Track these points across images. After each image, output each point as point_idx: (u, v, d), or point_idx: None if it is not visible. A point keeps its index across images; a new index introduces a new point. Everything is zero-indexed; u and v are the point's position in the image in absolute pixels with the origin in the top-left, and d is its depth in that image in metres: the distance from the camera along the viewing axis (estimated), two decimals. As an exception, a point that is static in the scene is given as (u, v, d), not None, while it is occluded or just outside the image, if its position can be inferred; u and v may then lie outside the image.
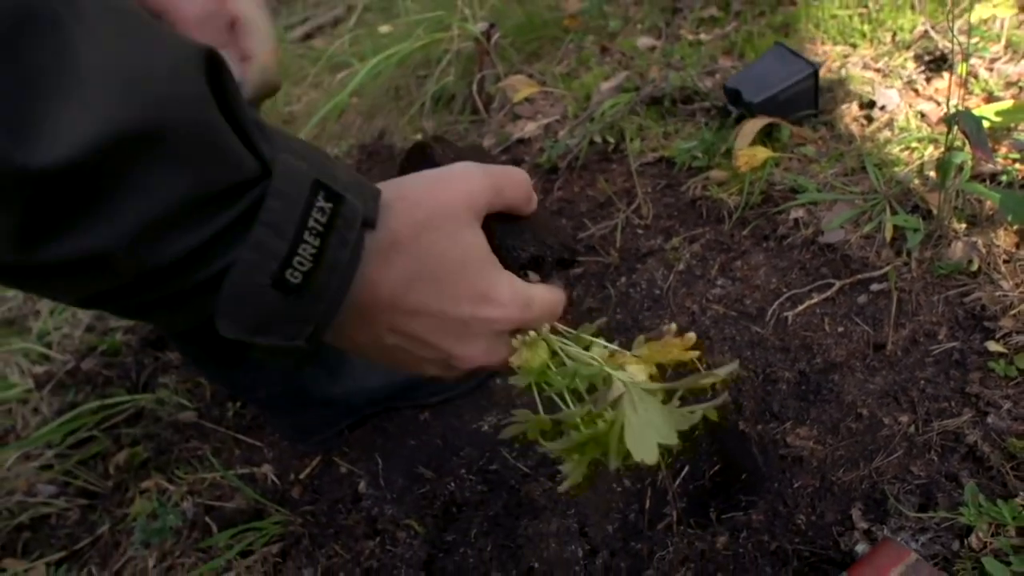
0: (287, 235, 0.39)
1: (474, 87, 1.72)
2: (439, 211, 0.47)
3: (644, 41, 1.71)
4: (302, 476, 1.16)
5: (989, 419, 0.82)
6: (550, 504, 0.89)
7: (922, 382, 0.89)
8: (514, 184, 0.52)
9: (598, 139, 1.46)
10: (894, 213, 1.07)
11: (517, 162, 1.62)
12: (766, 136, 1.27)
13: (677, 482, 0.94)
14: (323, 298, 0.41)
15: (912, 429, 0.85)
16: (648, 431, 0.47)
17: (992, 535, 0.71)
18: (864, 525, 0.78)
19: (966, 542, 0.72)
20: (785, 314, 1.04)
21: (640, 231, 1.29)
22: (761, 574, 0.79)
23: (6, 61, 0.29)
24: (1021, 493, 0.73)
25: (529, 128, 1.59)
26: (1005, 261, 0.96)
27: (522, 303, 0.50)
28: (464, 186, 0.49)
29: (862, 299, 1.02)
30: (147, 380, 1.41)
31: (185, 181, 0.35)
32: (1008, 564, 0.68)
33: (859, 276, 1.04)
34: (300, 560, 1.00)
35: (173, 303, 0.40)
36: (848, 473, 0.84)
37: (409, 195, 0.47)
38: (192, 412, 1.30)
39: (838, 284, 1.04)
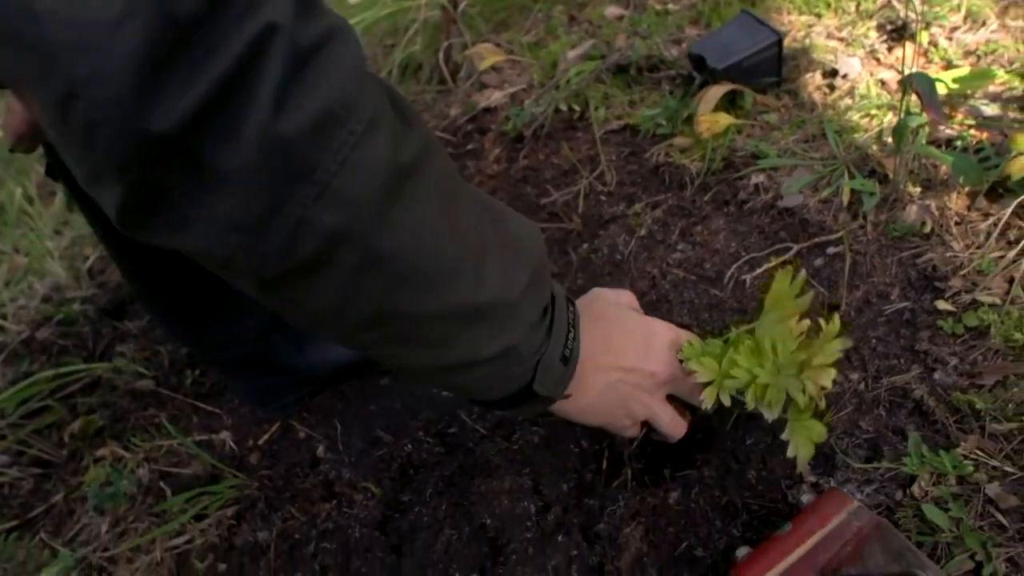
0: (564, 331, 0.63)
1: (441, 56, 1.70)
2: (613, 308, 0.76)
3: (612, 10, 1.70)
4: (260, 442, 1.15)
5: (936, 375, 0.83)
6: (505, 463, 0.89)
7: (873, 341, 0.90)
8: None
9: (563, 107, 1.45)
10: (852, 178, 1.08)
11: (483, 131, 1.61)
12: (729, 103, 1.27)
13: (635, 443, 0.94)
14: (573, 361, 0.64)
15: (862, 386, 0.86)
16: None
17: (933, 484, 0.72)
18: (812, 479, 0.79)
19: (908, 491, 0.73)
20: (743, 277, 1.04)
21: (603, 198, 1.29)
22: (711, 527, 0.79)
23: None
24: (962, 444, 0.74)
25: (495, 97, 1.57)
26: (956, 223, 0.97)
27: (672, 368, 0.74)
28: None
29: (818, 262, 1.03)
30: (104, 349, 1.38)
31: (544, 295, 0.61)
32: (947, 511, 0.69)
33: (816, 239, 1.05)
34: (255, 523, 1.00)
35: (510, 376, 0.61)
36: (799, 429, 0.85)
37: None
38: (150, 380, 1.28)
39: (796, 247, 1.05)
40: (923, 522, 0.70)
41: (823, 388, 0.66)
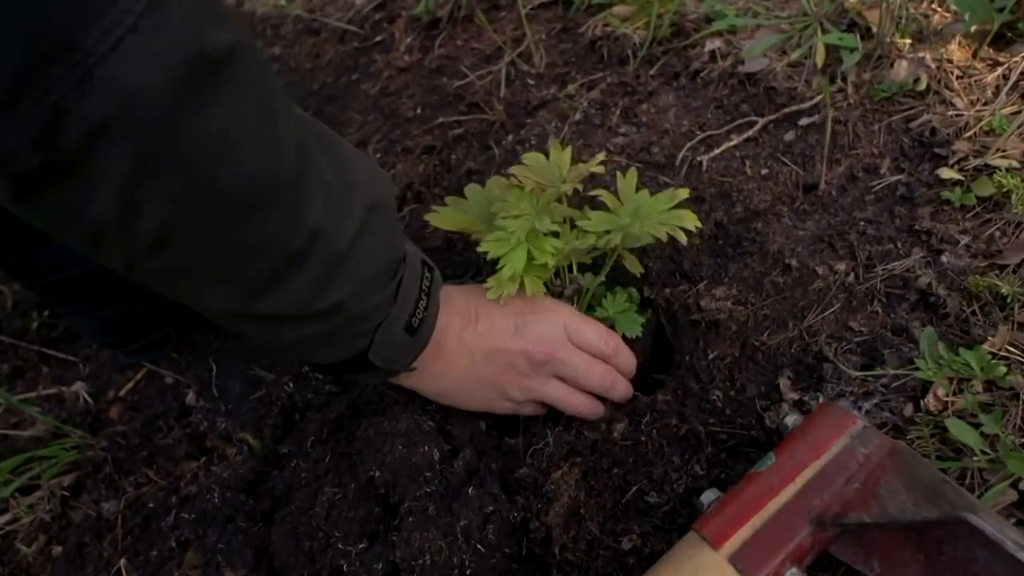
0: (413, 296, 0.58)
1: (338, -68, 1.43)
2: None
3: None
4: (122, 393, 0.93)
5: (944, 258, 0.66)
6: (404, 398, 0.69)
7: (862, 223, 0.72)
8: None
9: (482, -19, 1.21)
10: (826, 33, 0.88)
11: (392, 18, 1.36)
12: (677, -41, 1.05)
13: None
14: (423, 334, 0.59)
15: (851, 278, 0.68)
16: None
17: (955, 393, 0.55)
18: (794, 396, 0.62)
19: (922, 404, 0.55)
20: (699, 159, 0.85)
21: (531, 81, 1.07)
22: (667, 466, 0.61)
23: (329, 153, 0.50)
24: (989, 339, 0.57)
25: (403, -24, 1.32)
26: (958, 77, 0.79)
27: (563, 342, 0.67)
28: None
29: (789, 136, 0.84)
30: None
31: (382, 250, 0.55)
32: (977, 426, 0.52)
33: (786, 110, 0.85)
34: (98, 491, 0.78)
35: (341, 339, 0.55)
36: (774, 336, 0.67)
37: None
38: (-17, 325, 1.04)
39: (761, 121, 0.85)
40: (944, 443, 0.53)
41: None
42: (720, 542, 0.47)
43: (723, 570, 0.46)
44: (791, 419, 0.54)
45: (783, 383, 0.63)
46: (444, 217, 0.69)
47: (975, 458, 0.50)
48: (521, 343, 0.64)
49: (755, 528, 0.47)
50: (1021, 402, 0.53)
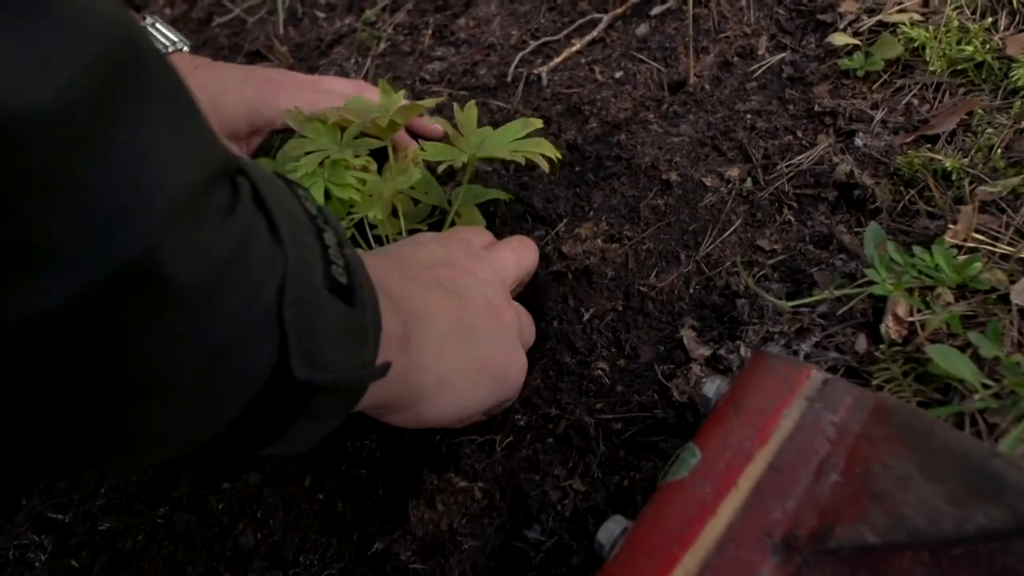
0: (304, 221, 0.28)
1: None
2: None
3: None
4: None
5: (858, 140, 0.50)
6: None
7: (749, 116, 0.56)
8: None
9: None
10: (667, -96, 0.71)
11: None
12: None
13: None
14: (366, 301, 0.29)
15: (748, 184, 0.51)
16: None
17: (919, 309, 0.39)
18: (704, 351, 0.44)
19: (882, 331, 0.39)
20: (536, 72, 0.66)
21: (321, 14, 0.84)
22: (545, 477, 0.42)
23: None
24: (950, 229, 0.41)
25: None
26: (828, -69, 0.64)
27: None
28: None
29: (642, 30, 0.66)
30: None
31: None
32: (966, 349, 0.36)
33: (631, 1, 0.68)
34: None
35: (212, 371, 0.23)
36: (665, 275, 0.49)
37: None
38: None
39: (606, 18, 0.68)
40: (923, 382, 0.37)
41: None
42: (638, 612, 0.28)
43: (650, 665, 0.26)
44: (712, 386, 0.35)
45: (686, 336, 0.45)
46: None
47: (976, 396, 0.34)
48: (457, 260, 0.43)
49: (689, 577, 0.28)
50: (1013, 307, 0.37)
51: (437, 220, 0.56)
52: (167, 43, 0.62)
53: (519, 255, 0.49)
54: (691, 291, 0.48)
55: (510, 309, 0.43)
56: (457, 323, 0.39)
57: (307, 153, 0.49)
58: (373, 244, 0.53)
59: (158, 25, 0.62)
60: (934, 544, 0.23)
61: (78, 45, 0.19)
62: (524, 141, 0.51)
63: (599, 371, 0.46)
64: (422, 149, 0.51)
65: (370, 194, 0.49)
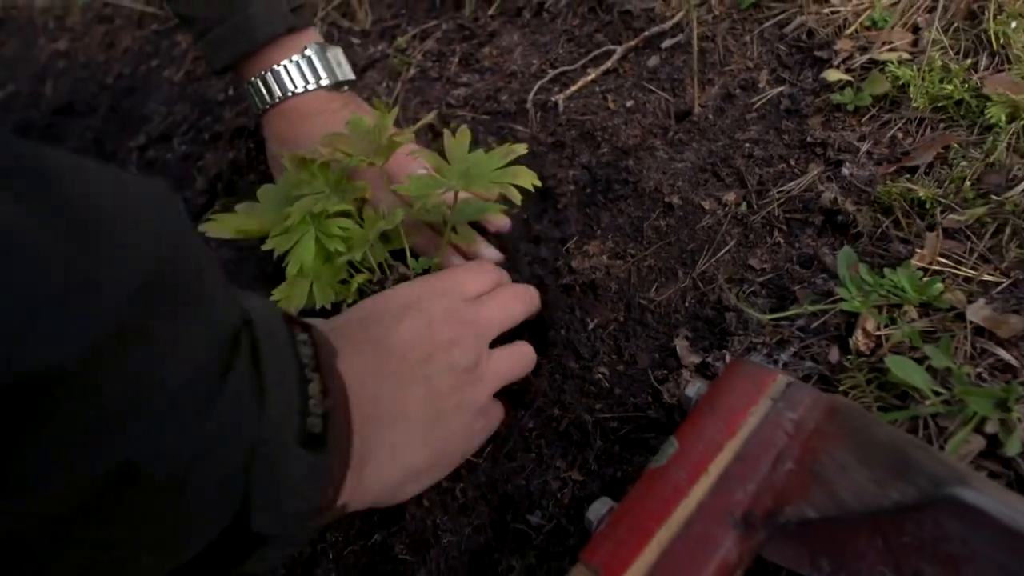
0: (293, 394, 0.31)
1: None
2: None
3: None
4: None
5: (845, 169, 0.55)
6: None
7: (747, 145, 0.60)
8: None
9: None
10: (679, -55, 0.76)
11: None
12: None
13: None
14: (339, 443, 0.33)
15: (743, 208, 0.56)
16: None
17: (886, 325, 0.43)
18: (695, 359, 0.49)
19: (851, 343, 0.43)
20: (554, 100, 0.71)
21: (356, 40, 0.91)
22: (546, 472, 0.47)
23: None
24: (917, 253, 0.45)
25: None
26: (828, -28, 0.69)
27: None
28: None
29: (653, 61, 0.71)
30: None
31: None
32: (923, 360, 0.40)
33: (645, 34, 0.73)
34: None
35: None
36: (664, 290, 0.54)
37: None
38: None
39: (620, 50, 0.73)
40: (884, 389, 0.41)
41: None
42: (616, 574, 0.33)
43: (624, 618, 0.31)
44: (693, 388, 0.40)
45: (680, 345, 0.50)
46: (225, 224, 0.53)
47: (928, 402, 0.38)
48: (436, 332, 0.44)
49: (661, 547, 0.33)
50: (967, 324, 0.41)
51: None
52: (311, 78, 0.63)
53: (508, 311, 0.50)
54: (687, 305, 0.53)
55: (481, 382, 0.45)
56: (427, 412, 0.42)
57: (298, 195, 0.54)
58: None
59: (309, 53, 0.63)
60: (857, 516, 0.28)
61: (117, 278, 0.22)
62: (503, 171, 0.52)
63: (600, 375, 0.51)
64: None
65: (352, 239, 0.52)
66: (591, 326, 0.54)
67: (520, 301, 0.52)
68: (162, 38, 1.13)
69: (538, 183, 0.53)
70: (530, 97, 0.72)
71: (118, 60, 1.13)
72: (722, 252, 0.54)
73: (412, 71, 0.82)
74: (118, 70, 1.11)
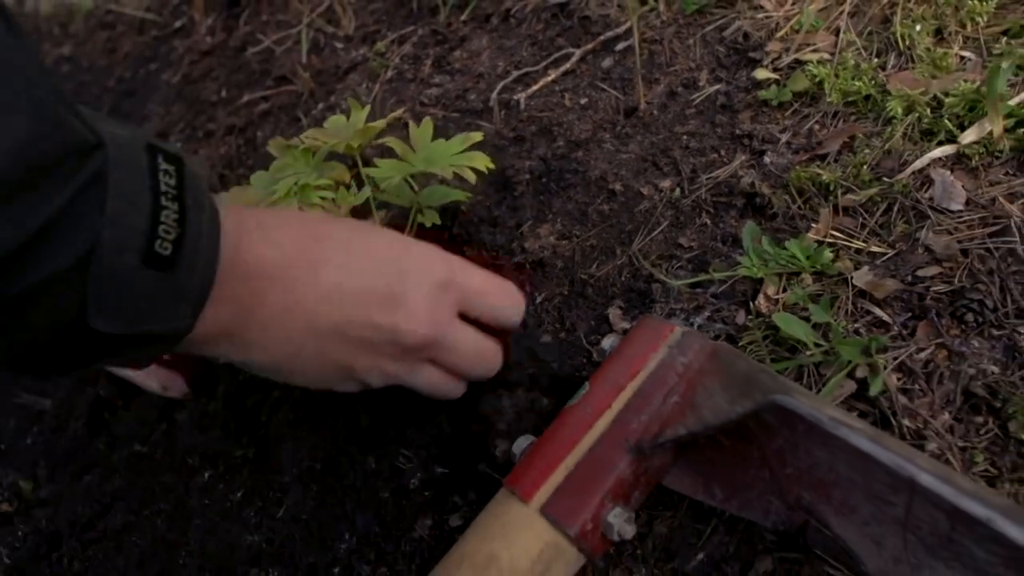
0: (144, 204, 0.33)
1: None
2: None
3: None
4: None
5: (766, 158, 0.61)
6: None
7: (685, 137, 0.67)
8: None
9: (281, -52, 1.11)
10: (633, -45, 0.83)
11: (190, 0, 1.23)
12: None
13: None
14: (196, 268, 0.35)
15: (676, 193, 0.62)
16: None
17: (783, 289, 0.49)
18: (624, 324, 0.55)
19: (753, 306, 0.49)
20: (516, 98, 0.77)
21: (339, 45, 0.97)
22: (502, 415, 0.53)
23: None
24: (813, 225, 0.52)
25: (198, -46, 1.20)
26: (765, -19, 0.75)
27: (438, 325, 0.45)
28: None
29: (607, 63, 0.78)
30: None
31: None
32: (807, 319, 0.46)
33: (602, 37, 0.79)
34: None
35: (21, 309, 0.30)
36: (603, 266, 0.60)
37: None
38: None
39: (578, 52, 0.79)
40: (777, 344, 0.47)
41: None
42: (530, 494, 0.39)
43: (533, 525, 0.38)
44: (608, 341, 0.46)
45: (613, 313, 0.56)
46: (222, 201, 0.60)
47: (808, 353, 0.44)
48: (393, 318, 0.43)
49: (568, 470, 0.39)
50: (850, 286, 0.47)
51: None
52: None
53: (478, 347, 0.49)
54: (622, 279, 0.59)
55: (377, 381, 0.46)
56: (313, 354, 0.43)
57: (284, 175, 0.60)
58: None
59: None
60: (713, 428, 0.34)
61: None
62: (461, 156, 0.58)
63: (545, 342, 0.57)
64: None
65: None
66: (539, 299, 0.60)
67: (480, 374, 0.51)
68: (160, 43, 1.20)
69: (492, 166, 0.59)
70: (494, 96, 0.79)
71: (119, 64, 1.20)
72: (656, 232, 0.60)
73: (390, 73, 0.89)
74: (119, 73, 1.18)
